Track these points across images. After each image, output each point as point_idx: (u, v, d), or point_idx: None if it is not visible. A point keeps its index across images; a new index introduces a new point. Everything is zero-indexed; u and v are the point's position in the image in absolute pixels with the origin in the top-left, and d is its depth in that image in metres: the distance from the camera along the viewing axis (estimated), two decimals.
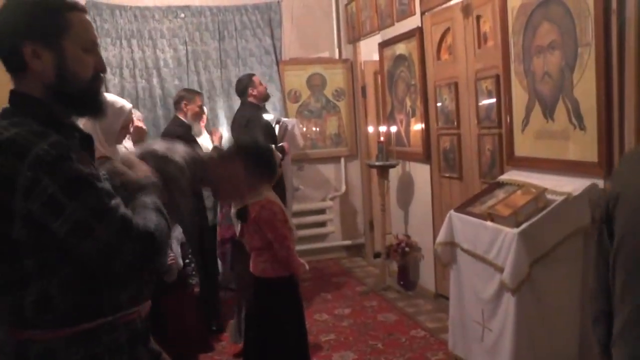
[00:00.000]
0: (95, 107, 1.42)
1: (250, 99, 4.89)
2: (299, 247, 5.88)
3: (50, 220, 1.22)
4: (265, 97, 5.05)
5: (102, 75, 1.42)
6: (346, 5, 6.35)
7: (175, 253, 3.36)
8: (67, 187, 1.22)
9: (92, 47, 1.39)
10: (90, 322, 1.32)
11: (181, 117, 4.54)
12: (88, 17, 1.41)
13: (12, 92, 1.35)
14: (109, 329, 1.35)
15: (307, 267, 3.19)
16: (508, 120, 3.63)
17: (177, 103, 4.60)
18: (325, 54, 6.51)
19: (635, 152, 1.18)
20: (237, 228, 3.36)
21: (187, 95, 4.60)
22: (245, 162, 1.64)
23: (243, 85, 4.92)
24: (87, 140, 1.42)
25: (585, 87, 2.98)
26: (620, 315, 1.04)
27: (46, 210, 1.21)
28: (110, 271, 1.30)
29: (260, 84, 4.99)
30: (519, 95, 3.51)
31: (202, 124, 5.01)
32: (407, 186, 5.32)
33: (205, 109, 5.08)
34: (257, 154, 3.09)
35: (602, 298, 1.18)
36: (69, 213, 1.21)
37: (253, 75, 5.07)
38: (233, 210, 3.26)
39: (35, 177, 1.20)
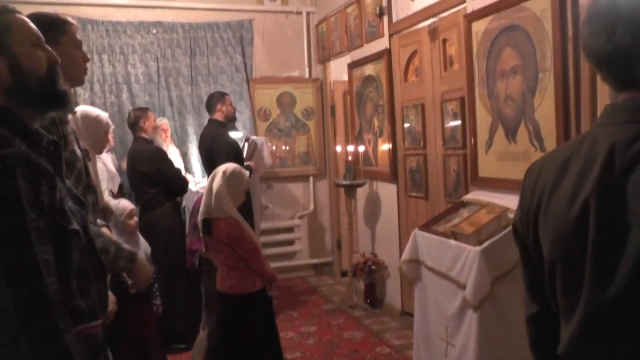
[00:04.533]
0: (58, 98, 1.43)
1: (217, 116, 4.91)
2: None
3: None
4: (232, 118, 5.07)
5: (56, 66, 1.43)
6: (317, 25, 6.45)
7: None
8: None
9: (38, 42, 1.40)
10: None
11: (144, 135, 4.55)
12: (22, 16, 1.42)
13: None
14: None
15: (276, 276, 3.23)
16: (472, 141, 3.73)
17: (134, 124, 4.59)
18: (296, 73, 6.58)
19: (541, 163, 1.22)
20: (202, 242, 3.38)
21: (142, 113, 4.64)
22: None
23: (214, 100, 4.96)
24: (54, 145, 1.43)
25: (546, 110, 3.09)
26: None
27: None
28: None
29: (231, 104, 5.02)
30: (483, 117, 3.62)
31: (166, 139, 5.02)
32: (374, 205, 5.39)
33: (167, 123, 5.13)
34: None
35: (532, 303, 1.24)
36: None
37: (227, 94, 5.12)
38: (199, 218, 3.26)
39: None
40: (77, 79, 2.02)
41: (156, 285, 3.50)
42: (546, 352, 1.20)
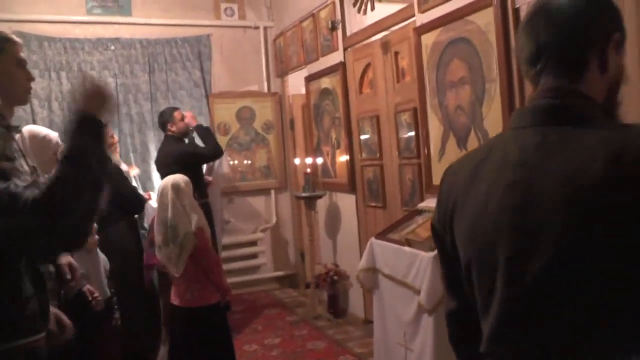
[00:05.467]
0: None
1: (170, 133, 4.94)
2: (230, 280, 5.89)
3: None
4: (185, 133, 5.08)
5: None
6: (274, 40, 6.52)
7: (101, 283, 3.32)
8: None
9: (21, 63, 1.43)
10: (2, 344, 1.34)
11: None
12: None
13: None
14: (10, 355, 1.37)
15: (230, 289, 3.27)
16: (426, 151, 3.83)
17: None
18: (255, 88, 6.62)
19: (462, 164, 1.28)
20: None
21: None
22: None
23: (163, 120, 5.00)
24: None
25: (494, 118, 3.20)
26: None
27: None
28: (21, 255, 1.33)
29: (182, 119, 5.03)
30: (435, 127, 3.72)
31: (116, 154, 5.00)
32: (334, 216, 5.45)
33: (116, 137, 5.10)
34: None
35: (451, 299, 1.29)
36: None
37: (175, 109, 5.12)
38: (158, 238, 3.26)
39: None
40: (18, 99, 1.99)
41: (115, 299, 3.48)
42: (466, 347, 1.24)
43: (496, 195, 1.07)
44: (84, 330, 3.04)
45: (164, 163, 4.83)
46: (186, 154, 4.85)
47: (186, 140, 5.12)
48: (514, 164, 1.06)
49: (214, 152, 5.04)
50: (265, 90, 6.65)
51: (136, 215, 4.65)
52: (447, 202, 1.20)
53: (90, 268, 3.19)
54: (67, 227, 1.35)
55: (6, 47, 1.92)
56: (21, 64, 1.94)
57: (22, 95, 1.95)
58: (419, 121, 3.91)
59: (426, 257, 3.06)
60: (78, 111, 1.48)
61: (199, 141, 5.17)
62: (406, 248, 3.28)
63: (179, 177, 3.26)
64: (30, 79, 1.99)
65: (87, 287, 2.92)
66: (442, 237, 1.22)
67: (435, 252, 3.03)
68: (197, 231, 3.12)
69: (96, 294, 3.00)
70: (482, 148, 1.20)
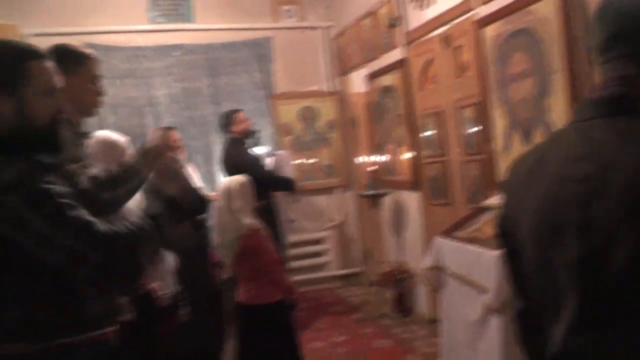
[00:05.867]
0: (53, 146, 1.51)
1: (232, 135, 5.04)
2: (296, 278, 5.96)
3: (17, 236, 1.32)
4: (246, 134, 5.15)
5: (61, 115, 1.54)
6: (334, 39, 6.53)
7: (166, 280, 3.43)
8: (32, 204, 1.32)
9: (50, 92, 1.49)
10: (64, 338, 1.41)
11: None
12: (48, 64, 1.51)
13: None
14: (82, 346, 1.45)
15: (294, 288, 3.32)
16: (490, 146, 3.74)
17: None
18: (316, 87, 6.66)
19: (523, 162, 1.24)
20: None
21: (163, 133, 4.72)
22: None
23: (224, 121, 5.10)
24: (53, 168, 1.51)
25: (559, 111, 3.09)
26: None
27: (14, 227, 1.32)
28: (81, 279, 1.39)
29: (244, 120, 5.10)
30: (499, 122, 3.63)
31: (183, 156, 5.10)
32: (399, 214, 5.41)
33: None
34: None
35: (518, 299, 1.26)
36: (33, 227, 1.32)
37: (237, 111, 5.20)
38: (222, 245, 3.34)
39: (2, 200, 1.32)
40: (87, 111, 2.12)
41: (182, 295, 3.58)
42: (535, 348, 1.21)
43: (561, 191, 1.03)
44: (150, 325, 3.16)
45: (227, 165, 4.92)
46: (246, 168, 4.84)
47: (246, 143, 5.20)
48: (578, 158, 1.02)
49: (283, 185, 5.02)
50: (327, 89, 6.67)
51: (202, 215, 4.75)
52: (511, 199, 1.18)
53: (155, 267, 3.30)
54: (126, 272, 1.42)
55: (86, 63, 2.04)
56: (94, 80, 2.06)
57: (91, 109, 2.07)
58: (482, 116, 3.83)
59: (492, 255, 2.98)
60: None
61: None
62: (472, 246, 3.21)
63: (234, 179, 3.33)
64: (101, 94, 2.11)
65: (153, 285, 3.03)
66: (507, 235, 1.19)
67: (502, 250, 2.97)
68: (250, 233, 3.17)
69: (161, 292, 3.11)
70: (543, 143, 1.17)
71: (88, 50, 2.14)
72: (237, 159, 4.84)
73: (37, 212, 1.32)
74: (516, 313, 1.27)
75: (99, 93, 2.12)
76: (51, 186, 1.37)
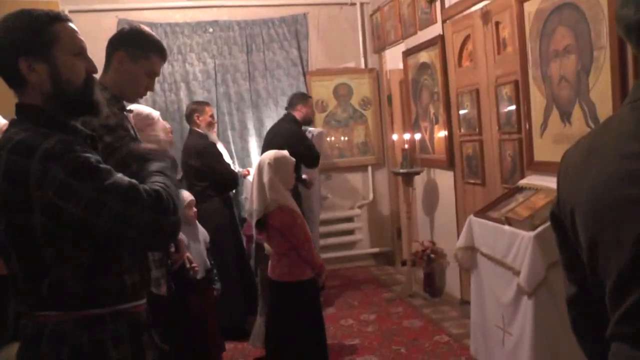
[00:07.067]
0: (90, 106, 1.54)
1: (295, 114, 5.10)
2: (327, 255, 5.98)
3: (64, 204, 1.34)
4: (309, 120, 5.27)
5: (93, 76, 1.55)
6: (371, 15, 6.44)
7: (201, 254, 3.47)
8: (74, 172, 1.34)
9: (80, 52, 1.51)
10: (97, 308, 1.44)
11: (198, 129, 4.68)
12: (72, 25, 1.52)
13: (17, 105, 1.50)
14: (113, 317, 1.46)
15: (324, 266, 3.30)
16: (527, 125, 3.65)
17: (189, 117, 4.74)
18: (352, 64, 6.59)
19: (577, 151, 1.19)
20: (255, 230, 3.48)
21: (198, 107, 4.75)
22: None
23: (296, 100, 5.16)
24: (91, 139, 1.55)
25: (601, 90, 2.98)
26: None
27: (60, 195, 1.34)
28: (127, 242, 1.42)
29: (312, 107, 5.28)
30: (537, 100, 3.53)
31: (214, 133, 5.13)
32: (432, 193, 5.34)
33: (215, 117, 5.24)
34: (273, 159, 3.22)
35: (570, 285, 1.23)
36: (80, 194, 1.34)
37: (310, 97, 5.38)
38: (254, 220, 3.35)
39: (44, 169, 1.32)
40: (128, 98, 2.13)
41: (215, 271, 3.63)
42: (588, 333, 1.20)
43: (617, 169, 1.00)
44: (184, 299, 3.21)
45: (275, 139, 4.90)
46: (296, 141, 4.87)
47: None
48: (633, 136, 0.99)
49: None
50: (363, 66, 6.60)
51: (232, 192, 4.78)
52: (564, 184, 1.16)
53: (190, 240, 3.34)
54: (169, 229, 1.46)
55: (152, 58, 2.05)
56: (152, 75, 2.06)
57: (133, 99, 2.09)
58: (520, 94, 3.72)
59: (527, 237, 2.92)
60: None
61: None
62: (506, 227, 3.15)
63: (269, 154, 3.31)
64: (150, 89, 2.11)
65: (187, 254, 3.06)
66: (561, 221, 1.17)
67: (536, 231, 2.91)
68: (280, 208, 3.16)
69: (195, 264, 3.15)
70: (597, 127, 1.15)
71: (161, 46, 2.13)
72: (292, 138, 4.82)
73: (81, 180, 1.34)
74: (568, 299, 1.25)
75: (148, 88, 2.12)
76: (89, 154, 1.38)
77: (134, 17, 5.78)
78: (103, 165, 1.40)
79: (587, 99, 3.09)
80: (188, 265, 3.06)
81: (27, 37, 1.43)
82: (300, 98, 5.19)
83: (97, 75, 1.64)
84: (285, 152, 3.31)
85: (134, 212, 1.36)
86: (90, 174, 1.36)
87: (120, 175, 1.40)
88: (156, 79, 2.17)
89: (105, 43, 2.12)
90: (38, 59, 1.43)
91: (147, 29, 2.16)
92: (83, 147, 1.41)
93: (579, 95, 3.14)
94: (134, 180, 1.41)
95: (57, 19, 1.48)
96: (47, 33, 1.44)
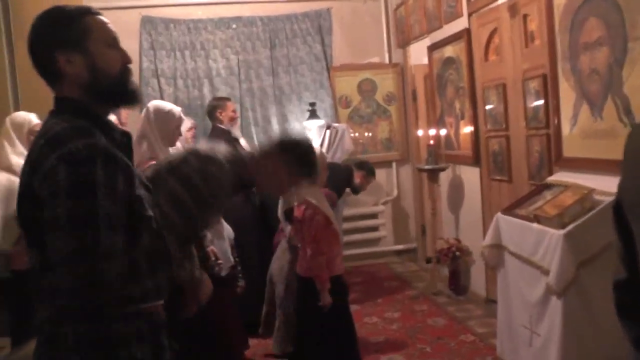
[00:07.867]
0: (129, 95, 1.55)
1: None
2: (351, 252, 5.93)
3: (47, 205, 1.30)
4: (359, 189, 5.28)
5: (129, 66, 1.56)
6: (395, 10, 6.36)
7: (224, 250, 3.45)
8: (71, 186, 1.29)
9: (114, 43, 1.52)
10: (118, 308, 1.41)
11: (220, 125, 4.66)
12: (103, 18, 1.54)
13: (55, 98, 1.50)
14: (135, 316, 1.44)
15: (328, 285, 3.15)
16: (556, 120, 3.56)
17: (211, 113, 4.73)
18: (375, 59, 6.52)
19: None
20: (287, 228, 3.46)
21: (219, 103, 4.74)
22: (285, 158, 1.68)
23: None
24: (126, 136, 1.54)
25: (636, 82, 2.88)
26: None
27: (47, 197, 1.31)
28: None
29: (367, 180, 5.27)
30: (567, 95, 3.44)
31: (237, 129, 5.10)
32: (457, 190, 5.26)
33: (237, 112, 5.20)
34: (297, 150, 3.17)
35: (621, 269, 1.21)
36: (57, 205, 1.28)
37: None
38: (280, 211, 3.33)
39: (56, 166, 1.30)
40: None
41: (239, 267, 3.61)
42: (633, 317, 1.19)
43: None
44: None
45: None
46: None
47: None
48: None
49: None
50: (387, 61, 6.53)
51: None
52: (628, 174, 1.16)
53: (214, 236, 3.32)
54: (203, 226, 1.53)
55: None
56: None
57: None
58: (548, 88, 3.63)
59: (556, 235, 2.84)
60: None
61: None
62: (534, 225, 3.07)
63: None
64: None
65: (211, 247, 3.03)
66: (622, 205, 1.17)
67: (567, 230, 2.83)
68: (309, 203, 3.11)
69: (220, 260, 3.12)
70: None
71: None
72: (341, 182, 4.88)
73: (70, 196, 1.29)
74: (616, 282, 1.23)
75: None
76: (106, 171, 1.34)
77: (156, 13, 5.80)
78: (110, 190, 1.32)
79: (620, 93, 2.99)
80: (213, 258, 3.04)
81: (62, 31, 1.45)
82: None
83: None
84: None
85: (78, 260, 1.27)
86: (83, 194, 1.29)
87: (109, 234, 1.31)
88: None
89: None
90: (74, 52, 1.45)
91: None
92: (114, 150, 1.38)
93: (611, 89, 3.05)
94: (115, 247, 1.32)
95: (88, 13, 1.51)
96: (80, 26, 1.47)
